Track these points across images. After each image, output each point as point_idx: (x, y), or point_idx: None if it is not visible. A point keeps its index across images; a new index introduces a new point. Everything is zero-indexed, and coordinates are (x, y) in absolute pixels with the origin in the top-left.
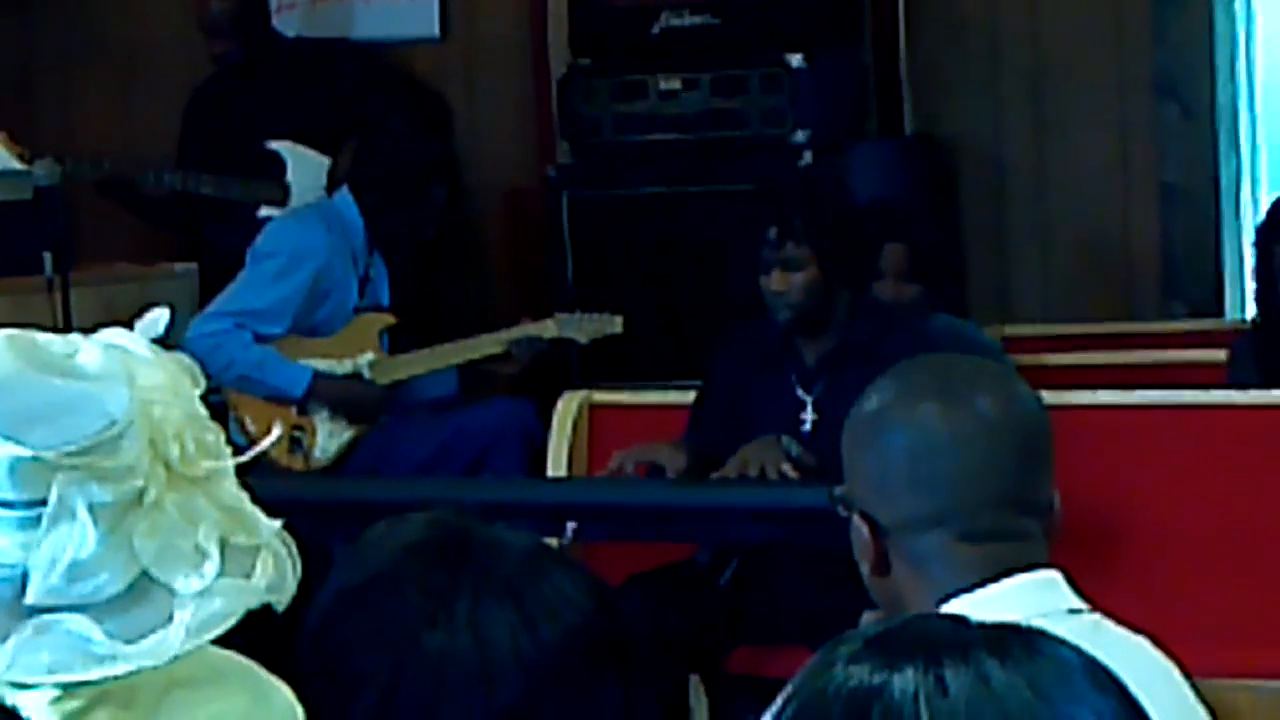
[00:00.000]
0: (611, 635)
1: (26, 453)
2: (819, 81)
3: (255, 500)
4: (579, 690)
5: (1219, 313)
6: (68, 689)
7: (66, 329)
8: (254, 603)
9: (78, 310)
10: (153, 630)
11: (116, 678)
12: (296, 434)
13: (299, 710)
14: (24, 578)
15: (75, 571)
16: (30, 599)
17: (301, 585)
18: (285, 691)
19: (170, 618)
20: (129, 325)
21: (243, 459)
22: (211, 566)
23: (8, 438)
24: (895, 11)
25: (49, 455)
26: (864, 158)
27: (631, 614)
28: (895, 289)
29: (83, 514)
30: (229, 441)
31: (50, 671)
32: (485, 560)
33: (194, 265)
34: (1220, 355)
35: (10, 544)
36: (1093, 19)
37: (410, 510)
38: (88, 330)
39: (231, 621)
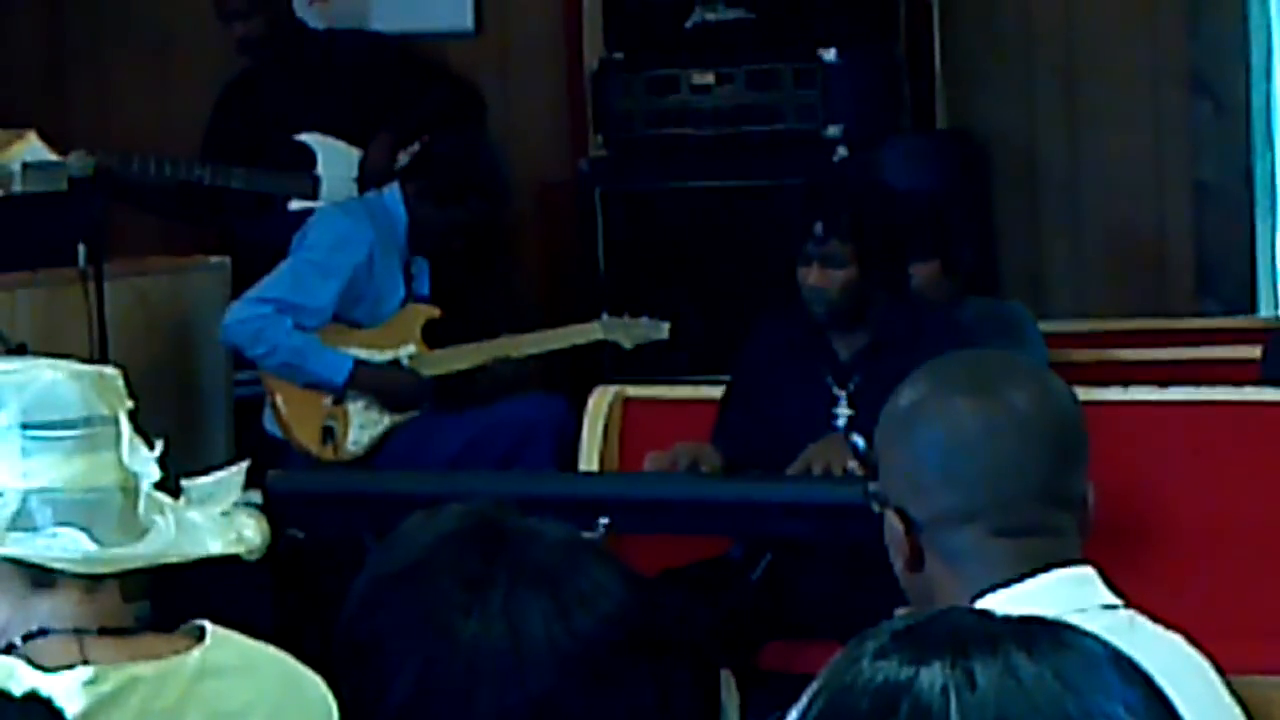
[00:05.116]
0: (646, 626)
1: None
2: (853, 76)
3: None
4: (612, 680)
5: (1252, 309)
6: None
7: (100, 321)
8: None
9: (111, 302)
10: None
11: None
12: (329, 424)
13: (331, 699)
14: (120, 496)
15: (150, 486)
16: (140, 507)
17: (336, 577)
18: (318, 681)
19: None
20: (162, 318)
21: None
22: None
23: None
24: (929, 6)
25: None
26: (897, 152)
27: (665, 606)
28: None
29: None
30: (261, 427)
31: (216, 544)
32: (521, 550)
33: (227, 259)
34: (1253, 352)
35: (88, 467)
36: (1127, 14)
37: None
38: (121, 322)
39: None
